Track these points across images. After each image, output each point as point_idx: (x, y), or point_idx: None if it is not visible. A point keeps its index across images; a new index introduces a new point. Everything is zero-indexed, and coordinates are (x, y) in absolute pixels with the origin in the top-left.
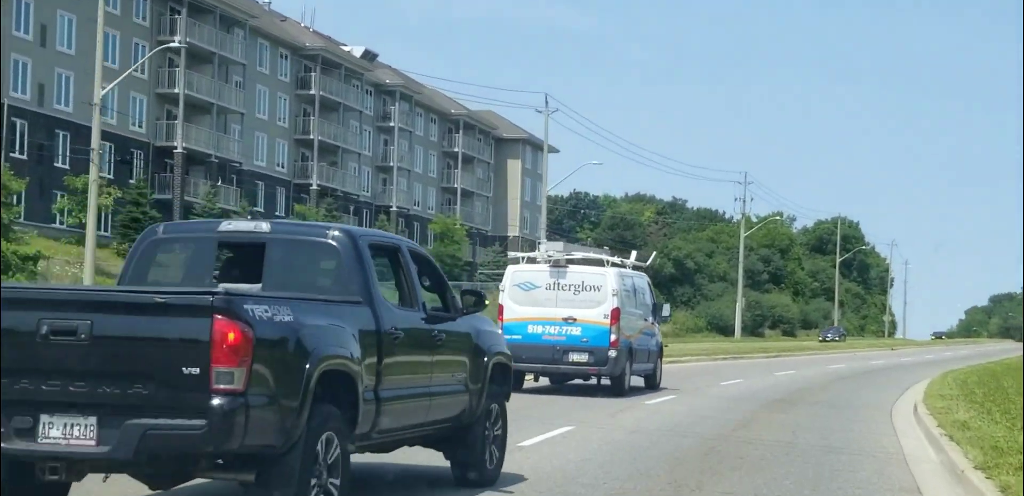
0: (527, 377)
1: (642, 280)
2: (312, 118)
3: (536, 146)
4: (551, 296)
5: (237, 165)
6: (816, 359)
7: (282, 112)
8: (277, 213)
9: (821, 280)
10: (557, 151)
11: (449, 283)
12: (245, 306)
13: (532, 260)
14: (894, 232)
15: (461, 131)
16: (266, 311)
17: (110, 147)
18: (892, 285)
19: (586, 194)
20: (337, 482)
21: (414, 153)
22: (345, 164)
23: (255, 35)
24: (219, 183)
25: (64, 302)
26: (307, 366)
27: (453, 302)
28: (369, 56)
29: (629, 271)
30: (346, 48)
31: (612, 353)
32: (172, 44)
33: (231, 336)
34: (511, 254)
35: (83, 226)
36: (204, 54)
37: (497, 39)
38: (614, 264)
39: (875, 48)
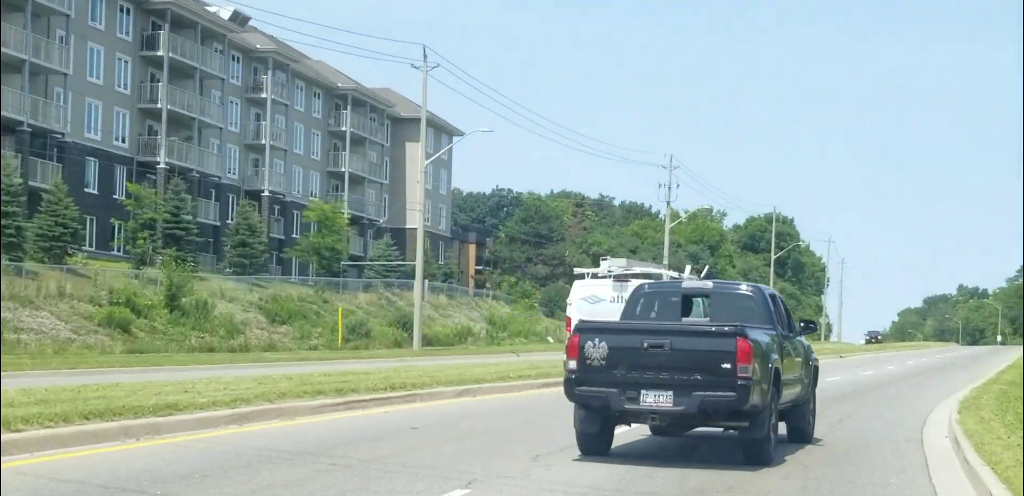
0: None
1: None
2: (160, 84)
3: (440, 128)
4: (615, 308)
5: (59, 136)
6: None
7: (122, 76)
8: (114, 195)
9: (754, 279)
10: (462, 134)
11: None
12: (748, 331)
13: (596, 275)
14: (830, 229)
15: (350, 108)
16: (755, 334)
17: None
18: (828, 284)
19: (509, 191)
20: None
21: (293, 131)
22: (205, 140)
23: None
24: (42, 157)
25: (656, 330)
26: (769, 365)
27: (792, 325)
28: (239, 19)
29: None
30: (212, 9)
31: None
32: None
33: (745, 347)
34: (576, 270)
35: None
36: (13, 0)
37: (420, 35)
38: (672, 277)
39: (812, 43)
